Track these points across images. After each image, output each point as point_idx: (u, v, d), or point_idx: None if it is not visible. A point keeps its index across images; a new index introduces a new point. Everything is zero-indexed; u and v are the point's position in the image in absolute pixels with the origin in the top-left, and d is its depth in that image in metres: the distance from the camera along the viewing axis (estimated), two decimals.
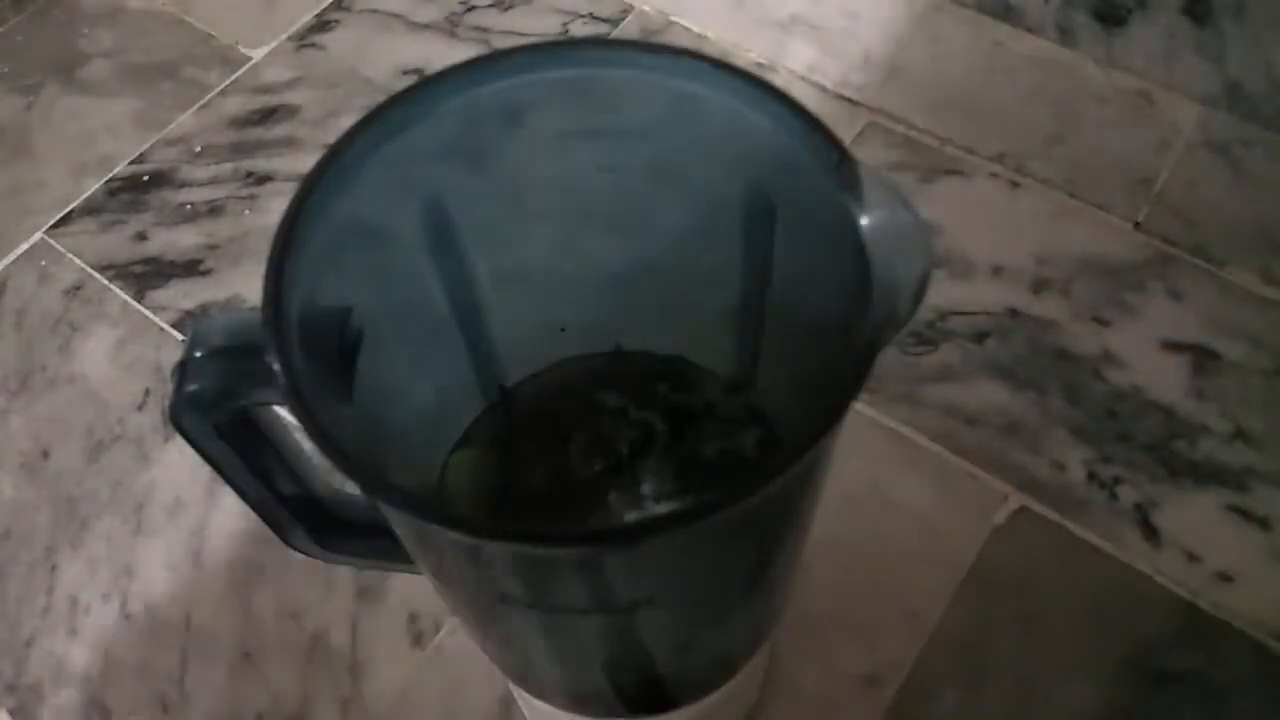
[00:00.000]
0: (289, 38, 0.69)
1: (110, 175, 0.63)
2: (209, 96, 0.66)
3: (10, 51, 0.70)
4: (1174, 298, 0.53)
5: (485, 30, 0.68)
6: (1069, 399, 0.50)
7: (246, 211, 0.61)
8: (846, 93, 0.62)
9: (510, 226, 0.30)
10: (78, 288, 0.58)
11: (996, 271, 0.54)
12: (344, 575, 0.47)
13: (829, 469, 0.26)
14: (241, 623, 0.47)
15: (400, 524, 0.24)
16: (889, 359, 0.52)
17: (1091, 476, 0.48)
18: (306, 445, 0.30)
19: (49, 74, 0.69)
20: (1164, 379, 0.50)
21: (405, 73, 0.66)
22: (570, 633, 0.27)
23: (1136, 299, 0.53)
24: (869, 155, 0.60)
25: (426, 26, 0.68)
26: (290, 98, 0.65)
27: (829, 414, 0.21)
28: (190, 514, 0.50)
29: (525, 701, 0.39)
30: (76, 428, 0.53)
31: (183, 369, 0.25)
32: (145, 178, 0.63)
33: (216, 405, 0.26)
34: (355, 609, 0.47)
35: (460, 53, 0.59)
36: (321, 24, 0.69)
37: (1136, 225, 0.55)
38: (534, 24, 0.68)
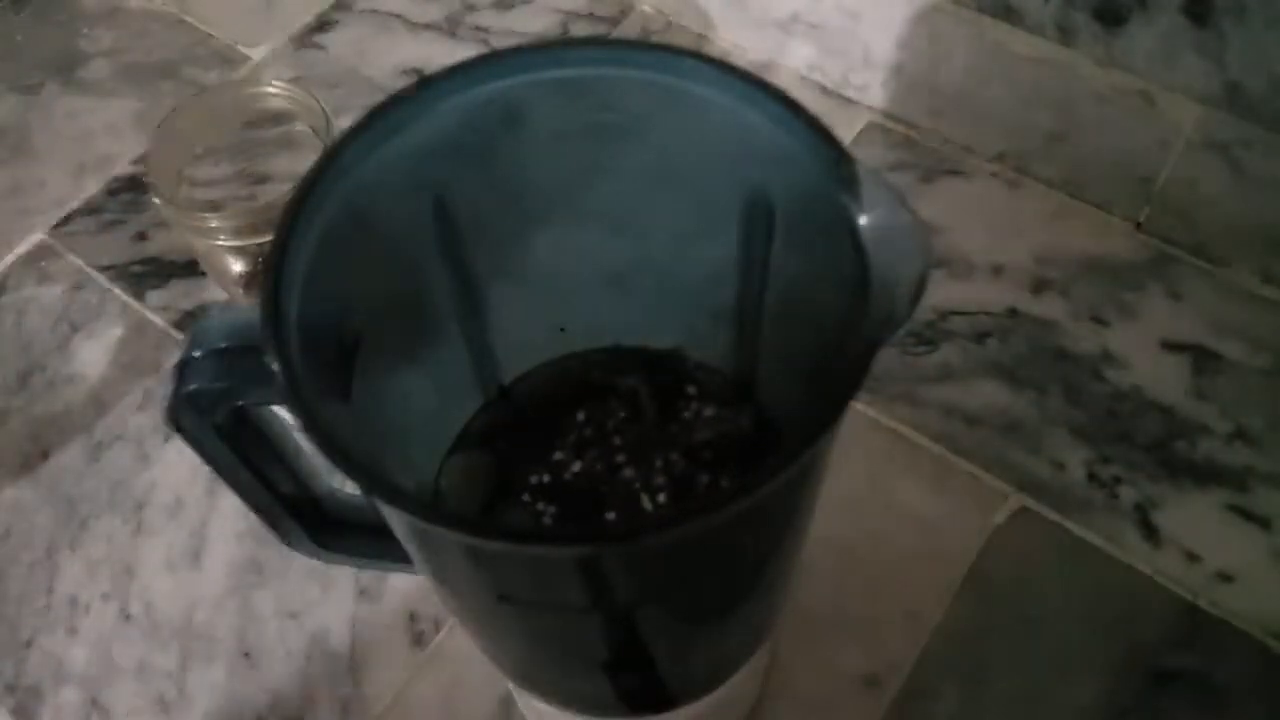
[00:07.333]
0: (289, 38, 0.69)
1: (110, 175, 0.63)
2: None
3: (10, 51, 0.70)
4: (1174, 298, 0.53)
5: (485, 30, 0.68)
6: (1069, 399, 0.50)
7: None
8: (846, 93, 0.62)
9: (509, 226, 0.30)
10: (78, 288, 0.58)
11: (996, 271, 0.54)
12: (344, 575, 0.47)
13: (829, 468, 0.26)
14: (241, 623, 0.47)
15: (400, 524, 0.24)
16: (889, 359, 0.52)
17: (1091, 476, 0.48)
18: (306, 445, 0.30)
19: (49, 74, 0.69)
20: (1164, 379, 0.50)
21: (405, 73, 0.66)
22: (570, 633, 0.27)
23: (1136, 299, 0.53)
24: (869, 155, 0.60)
25: (426, 26, 0.68)
26: None
27: (828, 413, 0.21)
28: (190, 514, 0.50)
29: (525, 701, 0.39)
30: (76, 428, 0.53)
31: (182, 369, 0.25)
32: (145, 177, 0.63)
33: (216, 405, 0.26)
34: (355, 609, 0.47)
35: (460, 53, 0.59)
36: (321, 24, 0.69)
37: (1137, 225, 0.55)
38: (534, 24, 0.67)
